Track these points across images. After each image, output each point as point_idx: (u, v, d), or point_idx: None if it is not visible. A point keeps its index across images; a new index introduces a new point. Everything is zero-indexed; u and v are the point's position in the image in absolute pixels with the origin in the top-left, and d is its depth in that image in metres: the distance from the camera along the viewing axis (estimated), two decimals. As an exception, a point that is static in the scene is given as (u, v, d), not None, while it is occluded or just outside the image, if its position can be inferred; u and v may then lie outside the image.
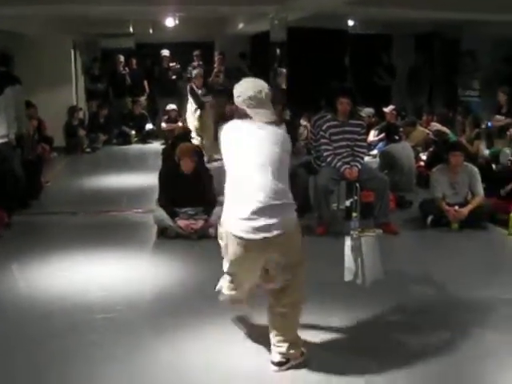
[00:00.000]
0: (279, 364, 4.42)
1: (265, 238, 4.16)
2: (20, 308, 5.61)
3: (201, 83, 13.48)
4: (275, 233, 4.18)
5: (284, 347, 4.41)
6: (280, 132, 4.42)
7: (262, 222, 4.16)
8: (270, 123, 4.40)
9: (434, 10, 11.82)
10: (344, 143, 7.94)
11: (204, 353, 4.66)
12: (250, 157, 4.26)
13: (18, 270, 6.68)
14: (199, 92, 13.29)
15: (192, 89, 13.20)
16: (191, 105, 13.30)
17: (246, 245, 4.20)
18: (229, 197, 4.33)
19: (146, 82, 16.49)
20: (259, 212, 4.16)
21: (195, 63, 16.01)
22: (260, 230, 4.16)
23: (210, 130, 12.13)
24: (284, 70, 13.44)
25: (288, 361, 4.42)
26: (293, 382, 4.35)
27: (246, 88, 4.37)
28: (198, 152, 8.19)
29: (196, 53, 16.34)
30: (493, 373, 4.46)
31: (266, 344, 4.55)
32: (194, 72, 13.81)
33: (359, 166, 7.86)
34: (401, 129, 11.68)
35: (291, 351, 4.43)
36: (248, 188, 4.22)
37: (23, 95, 9.62)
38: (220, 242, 4.50)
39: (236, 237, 4.22)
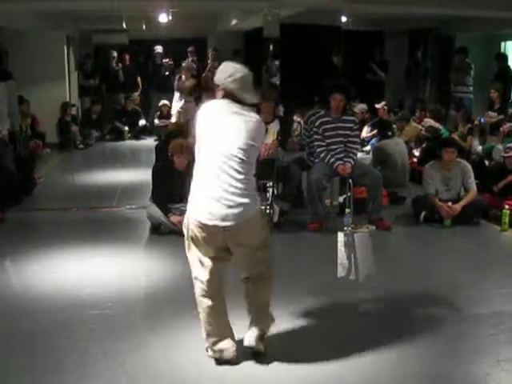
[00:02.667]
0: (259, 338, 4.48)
1: (221, 226, 4.20)
2: (11, 304, 5.60)
3: (188, 76, 13.53)
4: (230, 223, 4.21)
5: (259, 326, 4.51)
6: (256, 121, 4.36)
7: (220, 209, 4.19)
8: (251, 109, 4.41)
9: (427, 7, 11.84)
10: (337, 139, 7.94)
11: (197, 348, 4.65)
12: (219, 141, 4.25)
13: (10, 266, 6.66)
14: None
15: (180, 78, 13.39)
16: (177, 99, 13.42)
17: (205, 229, 4.26)
18: (195, 181, 4.36)
19: (139, 78, 16.46)
20: (218, 199, 4.20)
21: (189, 59, 16.00)
22: (217, 217, 4.20)
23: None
24: (277, 65, 13.44)
25: (264, 335, 4.52)
26: (289, 379, 4.35)
27: (236, 69, 4.40)
28: (191, 148, 8.16)
29: (190, 49, 16.35)
30: (487, 367, 4.47)
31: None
32: (183, 64, 13.85)
33: (352, 162, 7.86)
34: (394, 125, 11.69)
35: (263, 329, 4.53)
36: (212, 173, 4.24)
37: (16, 91, 9.62)
38: (184, 230, 4.53)
39: (196, 220, 4.28)
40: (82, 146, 14.55)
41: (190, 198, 4.39)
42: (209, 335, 4.48)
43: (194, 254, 4.49)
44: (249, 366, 4.43)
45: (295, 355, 4.56)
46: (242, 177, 4.24)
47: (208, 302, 4.45)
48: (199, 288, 4.49)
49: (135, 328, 5.10)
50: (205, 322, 4.48)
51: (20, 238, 7.52)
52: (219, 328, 4.47)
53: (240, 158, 4.23)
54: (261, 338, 4.51)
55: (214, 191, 4.22)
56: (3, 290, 5.95)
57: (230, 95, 4.33)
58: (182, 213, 7.60)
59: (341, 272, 6.57)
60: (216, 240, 4.31)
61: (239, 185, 4.23)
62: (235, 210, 4.21)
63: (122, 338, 4.87)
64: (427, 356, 4.63)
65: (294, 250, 7.33)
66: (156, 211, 7.64)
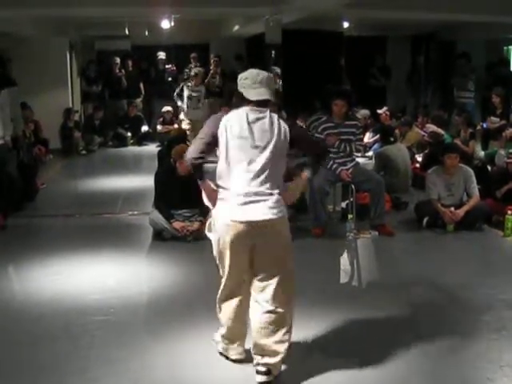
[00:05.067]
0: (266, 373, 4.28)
1: (253, 221, 4.17)
2: (14, 310, 5.60)
3: (198, 82, 13.50)
4: (264, 217, 4.18)
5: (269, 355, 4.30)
6: (280, 124, 4.34)
7: (252, 207, 4.18)
8: (271, 110, 4.39)
9: (429, 12, 11.85)
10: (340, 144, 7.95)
11: (200, 355, 4.66)
12: (248, 145, 4.24)
13: (12, 273, 6.67)
14: (197, 92, 13.36)
15: (181, 90, 13.33)
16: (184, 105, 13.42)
17: (236, 229, 4.19)
18: (223, 184, 4.31)
19: (141, 84, 16.49)
20: (251, 198, 4.19)
21: (192, 65, 16.04)
22: (250, 214, 4.18)
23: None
24: (279, 71, 13.45)
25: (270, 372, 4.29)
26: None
27: (252, 72, 4.41)
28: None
29: (193, 55, 16.37)
30: (489, 373, 4.46)
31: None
32: (193, 70, 13.79)
33: (353, 163, 7.89)
34: (396, 130, 11.70)
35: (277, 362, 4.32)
36: (243, 175, 4.23)
37: (19, 97, 9.63)
38: (209, 234, 4.47)
39: (226, 222, 4.22)
40: (84, 152, 14.57)
41: (218, 201, 4.34)
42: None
43: (223, 260, 4.39)
44: (252, 374, 4.41)
45: (295, 363, 4.54)
46: (270, 179, 4.25)
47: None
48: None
49: (138, 334, 5.10)
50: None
51: (23, 244, 7.52)
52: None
53: (266, 163, 4.24)
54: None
55: (243, 191, 4.20)
56: (6, 296, 5.95)
57: (242, 98, 4.36)
58: (185, 219, 7.67)
59: (343, 278, 6.57)
60: (244, 242, 4.23)
61: (268, 186, 4.24)
62: (265, 209, 4.20)
63: (125, 344, 4.87)
64: (429, 361, 4.62)
65: (296, 255, 7.29)
66: (158, 217, 7.64)
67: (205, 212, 7.54)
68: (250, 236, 4.21)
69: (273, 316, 4.28)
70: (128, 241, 7.76)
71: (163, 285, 6.25)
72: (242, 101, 4.36)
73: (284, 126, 4.35)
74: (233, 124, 4.28)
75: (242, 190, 4.20)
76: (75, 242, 7.66)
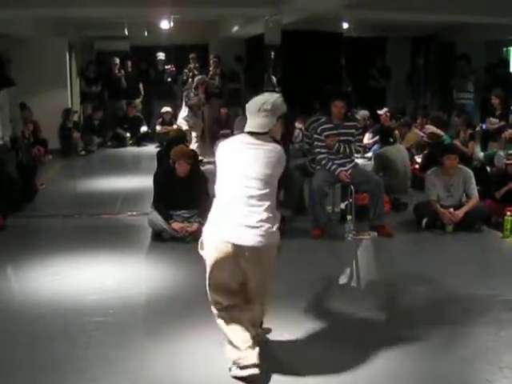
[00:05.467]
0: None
1: (239, 245, 4.22)
2: (13, 310, 5.59)
3: (202, 90, 13.46)
4: (250, 244, 4.23)
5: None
6: (275, 152, 4.39)
7: (247, 232, 4.22)
8: (268, 140, 4.42)
9: (429, 13, 11.85)
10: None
11: (199, 355, 4.66)
12: (239, 173, 4.32)
13: (11, 273, 6.67)
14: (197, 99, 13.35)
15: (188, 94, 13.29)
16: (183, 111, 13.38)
17: (228, 250, 4.24)
18: (216, 211, 4.39)
19: (141, 85, 16.48)
20: (238, 223, 4.24)
21: (191, 65, 16.03)
22: (243, 239, 4.22)
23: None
24: (278, 72, 13.46)
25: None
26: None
27: (257, 97, 4.50)
28: (192, 155, 8.18)
29: (192, 55, 16.36)
30: (488, 374, 4.46)
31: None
32: (198, 80, 13.71)
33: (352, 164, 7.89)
34: (396, 131, 11.70)
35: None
36: (232, 199, 4.30)
37: (18, 97, 9.63)
38: (201, 252, 4.51)
39: (221, 242, 4.27)
40: (83, 152, 14.56)
41: (208, 224, 4.42)
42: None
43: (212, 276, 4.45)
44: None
45: (295, 365, 4.56)
46: (261, 203, 4.29)
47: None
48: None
49: (136, 334, 5.10)
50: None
51: (22, 245, 7.51)
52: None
53: (259, 187, 4.29)
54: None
55: (235, 215, 4.26)
56: (5, 296, 5.95)
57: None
58: (184, 220, 7.66)
59: (342, 279, 6.57)
60: (230, 264, 4.29)
61: (259, 210, 4.27)
62: (255, 233, 4.24)
63: (124, 345, 4.87)
64: (427, 362, 4.61)
65: (295, 256, 7.31)
66: (157, 218, 7.64)
67: (203, 213, 7.59)
68: (237, 259, 4.28)
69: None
70: (127, 241, 7.75)
71: (162, 285, 6.24)
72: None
73: (280, 153, 4.40)
74: (228, 148, 4.43)
75: (233, 214, 4.26)
76: (74, 243, 7.65)
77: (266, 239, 4.26)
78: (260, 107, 4.40)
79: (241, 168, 4.31)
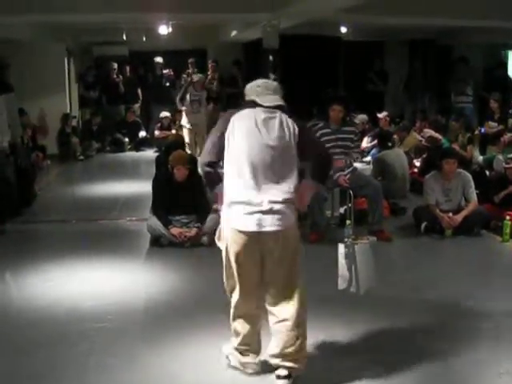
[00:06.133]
0: (286, 377, 4.28)
1: (269, 231, 4.11)
2: (11, 316, 5.59)
3: (199, 87, 13.45)
4: (278, 228, 4.12)
5: (290, 360, 4.28)
6: (290, 121, 4.29)
7: (269, 216, 4.11)
8: (280, 109, 4.33)
9: (427, 17, 11.85)
10: (337, 150, 7.91)
11: (199, 362, 4.64)
12: (258, 144, 4.17)
13: (10, 278, 6.65)
14: (198, 95, 13.30)
15: (185, 90, 13.23)
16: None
17: (249, 238, 4.13)
18: (231, 187, 4.21)
19: (139, 90, 16.48)
20: (261, 207, 4.10)
21: (190, 70, 16.04)
22: (265, 224, 4.10)
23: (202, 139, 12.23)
24: (276, 76, 13.44)
25: (291, 375, 4.29)
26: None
27: (263, 80, 4.47)
28: (191, 160, 8.17)
29: (191, 60, 16.35)
30: (488, 380, 4.46)
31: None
32: (195, 77, 13.71)
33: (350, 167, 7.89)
34: (394, 136, 11.70)
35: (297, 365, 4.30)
36: (252, 179, 4.13)
37: (16, 103, 9.62)
38: (219, 244, 4.39)
39: (240, 231, 4.14)
40: (82, 157, 14.57)
41: (227, 207, 4.23)
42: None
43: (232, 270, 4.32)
44: (248, 381, 4.40)
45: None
46: (282, 180, 4.18)
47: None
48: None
49: (135, 341, 5.08)
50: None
51: (20, 250, 7.51)
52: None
53: (283, 166, 4.19)
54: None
55: (253, 199, 4.12)
56: (3, 302, 5.95)
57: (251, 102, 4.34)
58: (182, 225, 7.65)
59: (341, 284, 6.56)
60: (253, 251, 4.18)
61: (280, 189, 4.16)
62: (276, 216, 4.13)
63: (122, 351, 4.85)
64: (426, 368, 4.60)
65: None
66: (156, 223, 7.63)
67: (202, 218, 7.59)
68: (259, 246, 4.17)
69: (288, 324, 4.25)
70: (126, 247, 7.74)
71: (161, 291, 6.22)
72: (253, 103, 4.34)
73: (294, 126, 4.28)
74: (242, 122, 4.23)
75: (251, 198, 4.11)
76: (73, 248, 7.63)
77: (289, 220, 4.19)
78: (269, 86, 4.37)
79: (257, 145, 4.16)
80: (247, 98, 4.42)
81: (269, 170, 4.16)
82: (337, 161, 7.75)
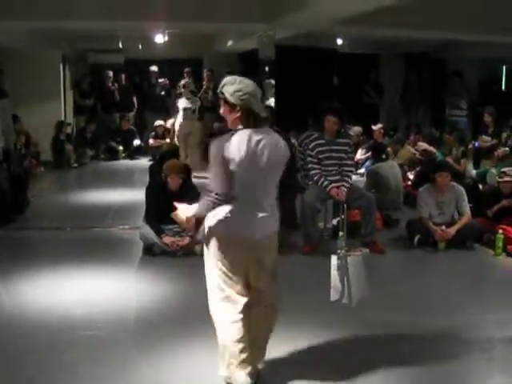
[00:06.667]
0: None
1: (249, 238, 4.23)
2: (1, 324, 5.55)
3: (188, 93, 13.48)
4: (258, 236, 4.26)
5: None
6: (281, 142, 4.31)
7: (250, 223, 4.23)
8: (269, 128, 4.37)
9: (423, 30, 11.90)
10: (331, 162, 7.93)
11: (190, 371, 4.62)
12: (253, 168, 4.17)
13: (1, 285, 6.61)
14: (191, 103, 13.33)
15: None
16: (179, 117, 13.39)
17: (239, 245, 4.22)
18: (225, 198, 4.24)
19: (134, 98, 16.49)
20: (257, 218, 4.25)
21: (186, 79, 16.04)
22: (246, 229, 4.23)
23: (195, 149, 12.22)
24: (272, 87, 13.47)
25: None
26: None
27: (246, 84, 4.21)
28: (185, 169, 8.16)
29: (187, 70, 16.37)
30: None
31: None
32: (182, 82, 13.78)
33: (346, 189, 7.83)
34: (388, 148, 11.72)
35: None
36: (246, 194, 4.22)
37: (10, 109, 9.62)
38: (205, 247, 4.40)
39: (230, 238, 4.22)
40: (76, 164, 14.55)
41: (215, 215, 4.25)
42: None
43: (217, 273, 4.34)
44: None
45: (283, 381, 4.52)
46: (271, 199, 4.34)
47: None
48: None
49: (125, 350, 5.05)
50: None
51: (11, 257, 7.47)
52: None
53: (272, 184, 4.32)
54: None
55: (246, 209, 4.23)
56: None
57: (249, 112, 4.17)
58: (175, 234, 7.63)
59: (334, 295, 6.52)
60: (240, 256, 4.26)
61: (268, 203, 4.32)
62: (262, 224, 4.27)
63: (112, 360, 4.82)
64: (418, 380, 4.59)
65: (286, 272, 7.26)
66: (149, 232, 7.61)
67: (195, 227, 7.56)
68: (250, 250, 4.26)
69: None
70: (118, 255, 7.72)
71: (153, 300, 6.20)
72: (248, 117, 4.17)
73: (284, 145, 4.34)
74: (238, 146, 4.12)
75: (246, 208, 4.22)
76: (65, 256, 7.60)
77: (271, 227, 4.38)
78: (257, 90, 4.25)
79: (253, 169, 4.17)
80: (233, 100, 4.17)
81: (264, 192, 4.29)
82: (338, 192, 7.76)
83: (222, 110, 4.29)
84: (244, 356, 4.27)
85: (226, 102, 4.21)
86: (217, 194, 4.18)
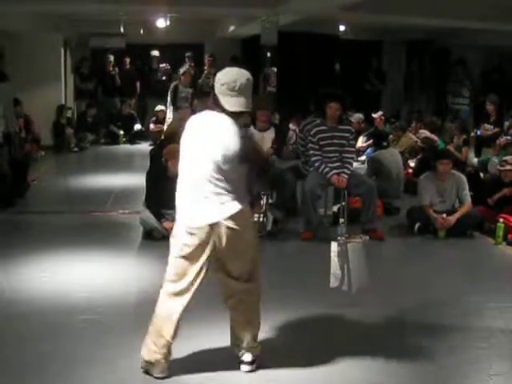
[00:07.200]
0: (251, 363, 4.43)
1: (206, 224, 4.18)
2: (1, 307, 5.55)
3: (187, 81, 13.37)
4: (216, 220, 4.17)
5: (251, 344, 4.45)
6: (229, 130, 4.22)
7: (207, 209, 4.20)
8: (239, 118, 4.28)
9: (427, 18, 11.84)
10: (333, 148, 7.91)
11: (186, 354, 4.62)
12: (198, 151, 4.26)
13: (0, 269, 6.61)
14: (185, 92, 13.19)
15: (176, 88, 13.04)
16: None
17: (196, 233, 4.20)
18: (180, 193, 4.39)
19: (137, 83, 16.45)
20: (204, 201, 4.21)
21: (187, 64, 15.99)
22: (204, 216, 4.19)
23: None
24: (274, 72, 13.43)
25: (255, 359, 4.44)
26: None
27: (230, 76, 4.25)
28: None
29: (188, 54, 16.32)
30: (478, 381, 4.45)
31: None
32: (182, 69, 13.68)
33: (348, 172, 7.82)
34: (391, 135, 11.69)
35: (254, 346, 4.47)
36: (193, 181, 4.29)
37: (12, 93, 9.59)
38: (172, 240, 4.41)
39: (188, 227, 4.23)
40: (76, 149, 14.52)
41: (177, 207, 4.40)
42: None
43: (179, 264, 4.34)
44: (233, 376, 4.39)
45: (280, 367, 4.51)
46: (221, 182, 4.21)
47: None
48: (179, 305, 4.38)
49: (125, 334, 5.04)
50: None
51: (11, 241, 7.47)
52: None
53: (217, 167, 4.19)
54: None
55: (197, 196, 4.25)
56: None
57: (217, 103, 4.24)
58: (175, 219, 7.61)
59: (333, 282, 6.54)
60: (203, 245, 4.22)
61: (219, 188, 4.20)
62: (218, 208, 4.20)
63: (112, 345, 4.82)
64: (417, 368, 4.59)
65: (286, 259, 7.30)
66: (149, 216, 7.60)
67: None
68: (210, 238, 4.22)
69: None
70: (118, 239, 7.72)
71: (152, 284, 6.10)
72: (217, 106, 4.24)
73: (237, 137, 4.21)
74: (194, 127, 4.31)
75: (192, 197, 4.26)
76: (64, 240, 7.60)
77: (230, 209, 4.22)
78: (234, 85, 4.22)
79: (199, 151, 4.29)
80: (219, 91, 4.26)
81: (211, 174, 4.25)
82: (338, 179, 7.74)
83: None
84: (166, 351, 4.35)
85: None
86: None
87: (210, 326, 5.02)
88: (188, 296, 4.32)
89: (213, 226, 4.18)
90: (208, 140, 4.22)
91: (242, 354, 4.45)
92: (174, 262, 4.33)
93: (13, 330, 5.07)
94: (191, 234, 4.21)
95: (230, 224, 4.18)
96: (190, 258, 4.24)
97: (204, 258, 4.24)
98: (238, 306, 4.42)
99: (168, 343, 4.35)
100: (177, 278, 4.32)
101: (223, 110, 4.22)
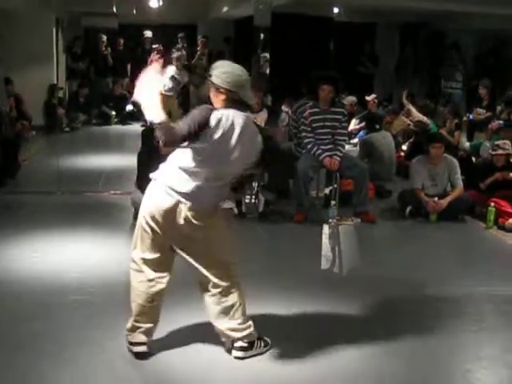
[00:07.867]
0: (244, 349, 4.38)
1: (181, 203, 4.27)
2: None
3: (180, 66, 13.29)
4: (191, 203, 4.20)
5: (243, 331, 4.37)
6: (257, 135, 4.18)
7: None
8: (250, 111, 4.21)
9: (421, 0, 11.81)
10: (325, 130, 7.90)
11: (179, 337, 4.62)
12: (224, 152, 4.08)
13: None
14: (178, 74, 13.10)
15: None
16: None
17: (163, 212, 4.38)
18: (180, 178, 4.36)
19: (129, 65, 16.36)
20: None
21: (179, 45, 15.90)
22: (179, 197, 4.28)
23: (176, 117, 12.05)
24: (267, 55, 13.35)
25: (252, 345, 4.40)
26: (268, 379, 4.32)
27: (234, 68, 4.13)
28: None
29: (180, 35, 16.24)
30: (468, 364, 4.47)
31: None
32: (175, 54, 13.60)
33: (340, 155, 7.81)
34: (387, 117, 11.69)
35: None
36: (210, 181, 4.17)
37: (2, 71, 9.51)
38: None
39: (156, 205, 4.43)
40: (68, 129, 14.44)
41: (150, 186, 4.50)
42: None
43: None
44: (229, 364, 4.38)
45: (274, 352, 4.51)
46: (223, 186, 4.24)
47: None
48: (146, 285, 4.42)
49: (116, 315, 5.02)
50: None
51: (2, 221, 7.44)
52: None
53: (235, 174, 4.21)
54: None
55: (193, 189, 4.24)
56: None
57: (234, 99, 4.08)
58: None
59: (325, 264, 6.55)
60: (173, 224, 4.32)
61: (218, 191, 4.22)
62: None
63: (103, 325, 4.82)
64: (407, 352, 4.61)
65: (278, 240, 7.30)
66: (140, 197, 7.44)
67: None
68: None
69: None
70: (109, 220, 7.70)
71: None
72: (234, 103, 4.08)
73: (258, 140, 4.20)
74: (224, 124, 4.02)
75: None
76: (56, 220, 7.60)
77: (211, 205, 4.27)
78: (247, 77, 4.17)
79: (223, 153, 4.08)
80: (222, 84, 4.10)
81: (221, 180, 4.21)
82: (330, 161, 7.72)
83: (210, 93, 4.22)
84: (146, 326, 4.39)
85: (213, 83, 4.15)
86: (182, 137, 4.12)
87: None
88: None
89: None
90: (244, 147, 4.08)
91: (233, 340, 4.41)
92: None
93: (4, 309, 5.06)
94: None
95: (190, 215, 4.20)
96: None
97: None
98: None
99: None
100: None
101: (247, 106, 4.12)
